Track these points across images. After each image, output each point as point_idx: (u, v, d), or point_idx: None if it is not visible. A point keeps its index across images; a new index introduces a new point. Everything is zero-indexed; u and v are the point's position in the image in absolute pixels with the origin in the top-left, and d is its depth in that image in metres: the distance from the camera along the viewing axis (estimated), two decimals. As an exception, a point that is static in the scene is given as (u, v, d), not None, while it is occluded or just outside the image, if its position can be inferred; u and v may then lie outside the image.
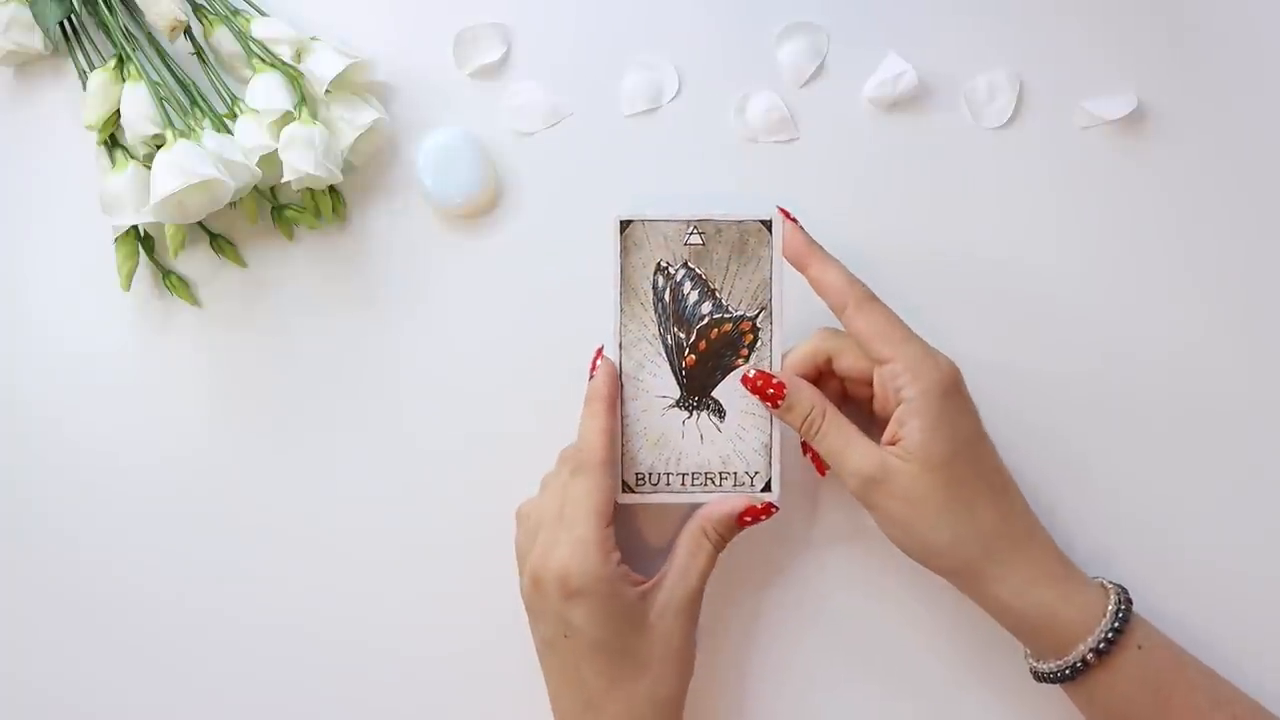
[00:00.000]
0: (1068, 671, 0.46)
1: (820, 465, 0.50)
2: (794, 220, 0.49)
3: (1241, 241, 0.55)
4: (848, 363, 0.48)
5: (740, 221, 0.49)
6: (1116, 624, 0.45)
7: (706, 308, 0.49)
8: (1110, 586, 0.47)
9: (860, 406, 0.50)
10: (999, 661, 0.52)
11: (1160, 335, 0.55)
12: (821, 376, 0.50)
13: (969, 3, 0.57)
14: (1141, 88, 0.56)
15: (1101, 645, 0.45)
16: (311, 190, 0.54)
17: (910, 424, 0.46)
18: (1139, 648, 0.46)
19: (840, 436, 0.47)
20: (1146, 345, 0.55)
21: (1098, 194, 0.56)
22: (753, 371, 0.49)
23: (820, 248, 0.48)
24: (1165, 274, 0.55)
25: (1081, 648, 0.45)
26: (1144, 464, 0.54)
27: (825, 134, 0.56)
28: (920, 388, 0.46)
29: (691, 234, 0.49)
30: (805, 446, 0.50)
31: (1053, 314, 0.55)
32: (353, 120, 0.52)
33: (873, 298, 0.47)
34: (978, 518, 0.46)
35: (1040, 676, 0.47)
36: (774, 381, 0.48)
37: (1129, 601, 0.46)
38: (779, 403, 0.48)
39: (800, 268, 0.48)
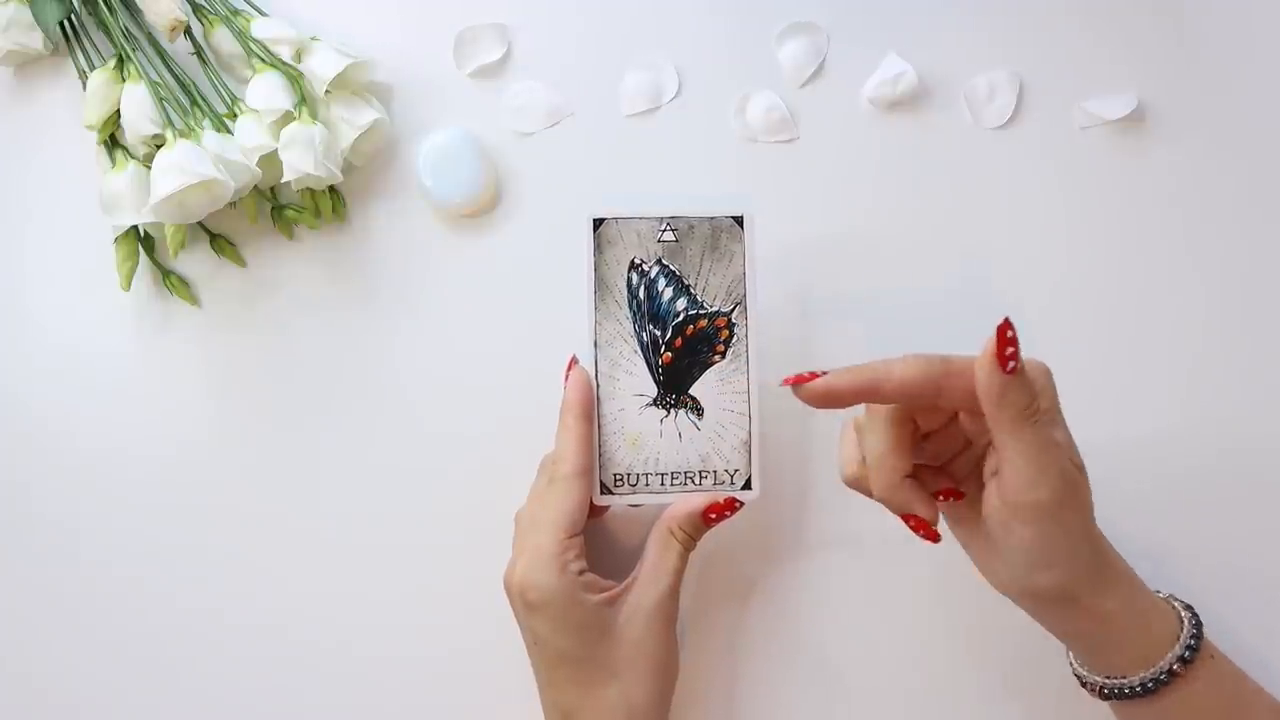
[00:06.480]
0: (1150, 684, 0.43)
1: (929, 529, 0.43)
2: (807, 377, 0.42)
3: (1242, 241, 0.55)
4: (962, 382, 0.41)
5: (712, 218, 0.49)
6: (1195, 630, 0.44)
7: (681, 304, 0.48)
8: (1167, 597, 0.46)
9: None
10: (992, 668, 0.52)
11: (1162, 334, 0.55)
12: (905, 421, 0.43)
13: (969, 3, 0.57)
14: (1141, 88, 0.56)
15: (1186, 653, 0.43)
16: (311, 190, 0.54)
17: (1059, 434, 0.42)
18: (1212, 657, 0.44)
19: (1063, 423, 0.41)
20: (1147, 344, 0.55)
21: (1098, 194, 0.56)
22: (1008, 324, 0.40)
23: (860, 369, 0.41)
24: (1166, 273, 0.55)
25: (1170, 655, 0.43)
26: (1143, 464, 0.54)
27: (825, 134, 0.56)
28: (1049, 394, 0.42)
29: (664, 231, 0.48)
30: (910, 517, 0.43)
31: (1053, 314, 0.55)
32: (353, 120, 0.52)
33: (929, 355, 0.41)
34: (1096, 527, 0.44)
35: (1115, 693, 0.44)
36: (1016, 338, 0.39)
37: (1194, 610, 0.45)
38: (1017, 366, 0.39)
39: (875, 399, 0.42)
